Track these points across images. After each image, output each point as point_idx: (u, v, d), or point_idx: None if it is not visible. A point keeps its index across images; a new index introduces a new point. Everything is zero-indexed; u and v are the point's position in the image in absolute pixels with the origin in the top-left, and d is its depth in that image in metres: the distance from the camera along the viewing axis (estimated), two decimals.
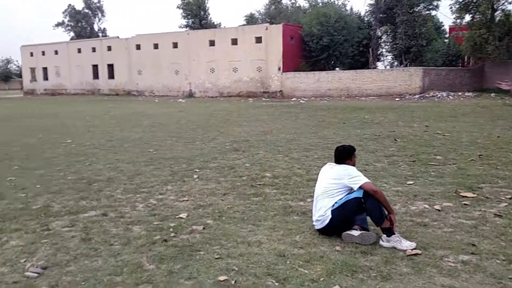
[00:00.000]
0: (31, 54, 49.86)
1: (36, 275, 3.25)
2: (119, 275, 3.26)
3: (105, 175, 6.84)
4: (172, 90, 40.18)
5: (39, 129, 13.71)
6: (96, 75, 45.31)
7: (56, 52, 47.68)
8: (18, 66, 73.32)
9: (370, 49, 36.11)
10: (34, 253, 3.71)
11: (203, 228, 4.30)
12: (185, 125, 14.45)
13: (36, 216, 4.75)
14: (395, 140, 9.90)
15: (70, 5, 77.08)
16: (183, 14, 51.51)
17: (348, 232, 3.93)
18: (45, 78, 49.10)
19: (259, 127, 13.45)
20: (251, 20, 49.63)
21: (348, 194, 4.04)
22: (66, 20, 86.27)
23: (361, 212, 4.00)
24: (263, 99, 32.27)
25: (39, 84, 49.57)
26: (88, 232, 4.23)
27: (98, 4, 78.89)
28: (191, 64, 38.84)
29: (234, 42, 36.20)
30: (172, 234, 4.13)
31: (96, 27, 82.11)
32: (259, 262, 3.47)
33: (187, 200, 5.37)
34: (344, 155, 4.24)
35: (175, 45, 39.65)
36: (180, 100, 32.56)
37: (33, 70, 50.17)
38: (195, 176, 6.64)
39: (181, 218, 4.64)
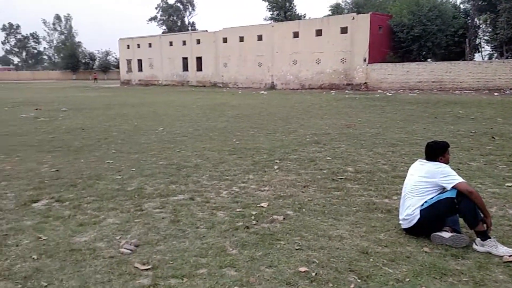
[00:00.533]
0: (128, 47, 53.82)
1: (129, 251, 3.52)
2: (204, 257, 3.41)
3: (192, 161, 7.18)
4: (254, 82, 40.86)
5: (134, 116, 14.79)
6: (185, 67, 47.62)
7: (150, 45, 50.93)
8: (116, 58, 79.62)
9: (467, 39, 33.35)
10: (128, 231, 4.02)
11: (284, 218, 4.33)
12: (267, 116, 14.62)
13: (131, 197, 5.14)
14: (493, 138, 9.07)
15: None
16: (268, 7, 51.96)
17: (438, 233, 3.70)
18: (140, 69, 52.74)
19: (341, 120, 13.16)
20: (336, 10, 48.49)
21: (439, 193, 3.80)
22: (158, 15, 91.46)
23: (453, 214, 3.74)
24: (346, 91, 31.48)
25: (134, 75, 53.40)
26: (177, 214, 4.49)
27: None
28: (274, 56, 39.09)
29: (318, 33, 35.68)
30: (254, 222, 4.22)
31: (186, 21, 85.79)
32: (341, 257, 3.41)
33: (268, 190, 5.44)
34: (436, 152, 3.97)
35: (259, 38, 40.18)
36: (262, 92, 32.98)
37: (129, 61, 54.15)
38: (275, 167, 6.70)
39: (262, 207, 4.71)
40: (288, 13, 51.23)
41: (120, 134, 10.49)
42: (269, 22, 49.34)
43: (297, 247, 3.59)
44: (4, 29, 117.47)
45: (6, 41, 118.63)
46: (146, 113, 15.96)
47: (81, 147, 8.63)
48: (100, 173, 6.39)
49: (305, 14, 55.93)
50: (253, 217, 4.36)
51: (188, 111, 16.75)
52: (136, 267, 3.23)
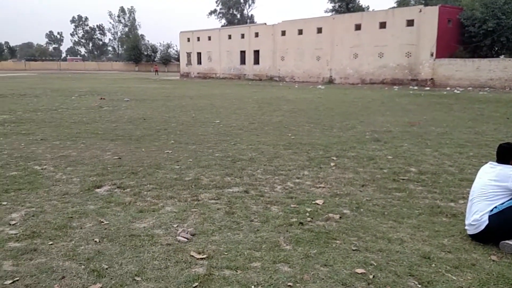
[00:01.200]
0: (188, 40, 55.22)
1: (186, 240, 3.58)
2: (258, 250, 3.39)
3: (247, 155, 7.20)
4: (312, 76, 40.36)
5: (192, 108, 15.15)
6: (243, 61, 48.06)
7: (209, 38, 51.93)
8: (176, 51, 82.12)
9: None
10: (185, 220, 4.10)
11: (340, 217, 4.20)
12: (324, 111, 14.37)
13: (188, 187, 5.24)
14: None
15: None
16: None
17: (508, 241, 3.42)
18: (199, 62, 53.98)
19: (404, 117, 12.62)
20: (402, 2, 46.59)
21: (511, 199, 3.51)
22: (218, 8, 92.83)
23: None
24: (410, 87, 30.22)
25: (193, 67, 54.75)
26: (232, 206, 4.51)
27: None
28: (334, 49, 38.34)
29: (382, 25, 34.47)
30: (308, 219, 4.13)
31: (245, 14, 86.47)
32: (401, 260, 3.24)
33: (324, 187, 5.32)
34: (509, 154, 3.67)
35: (319, 30, 39.57)
36: (320, 86, 32.50)
37: (189, 54, 55.58)
38: (332, 164, 6.55)
39: (317, 204, 4.61)
40: (351, 4, 50.02)
41: (179, 125, 10.77)
42: (329, 14, 48.40)
43: (354, 248, 3.46)
44: (73, 21, 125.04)
45: (75, 32, 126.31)
46: (204, 106, 16.28)
47: (142, 137, 8.95)
48: (159, 162, 6.59)
49: (368, 6, 54.51)
50: (307, 214, 4.27)
51: (244, 105, 16.87)
52: (192, 256, 3.27)
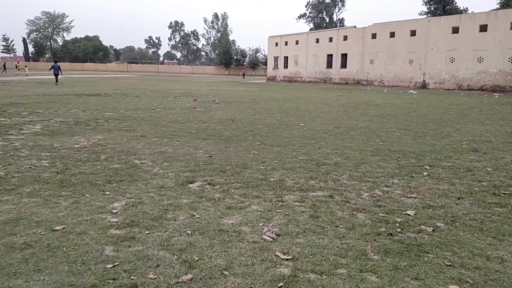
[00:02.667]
0: (276, 44, 55.98)
1: (271, 239, 3.65)
2: (344, 257, 3.34)
3: (332, 159, 7.11)
4: (403, 81, 38.56)
5: (278, 111, 15.33)
6: (329, 64, 47.50)
7: (296, 42, 52.15)
8: (264, 55, 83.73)
9: None
10: (270, 220, 4.17)
11: (433, 230, 3.96)
12: (415, 118, 13.64)
13: (273, 188, 5.32)
14: None
15: None
16: (425, 0, 48.34)
17: None
18: (285, 66, 54.45)
19: (506, 127, 11.52)
20: (506, 3, 42.54)
21: None
22: (307, 12, 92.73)
23: None
24: None
25: (280, 71, 55.34)
26: (316, 210, 4.49)
27: None
28: (428, 53, 36.25)
29: (483, 28, 31.87)
30: (398, 230, 3.96)
31: (334, 18, 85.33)
32: (501, 281, 2.97)
33: (415, 197, 5.06)
34: None
35: (412, 33, 37.73)
36: (411, 91, 30.89)
37: (276, 58, 56.31)
38: (424, 173, 6.20)
39: (408, 214, 4.40)
40: (448, 7, 46.90)
41: (265, 127, 10.97)
42: (424, 16, 45.85)
43: (448, 263, 3.25)
44: (170, 26, 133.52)
45: (172, 37, 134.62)
46: (289, 109, 16.38)
47: (230, 137, 9.28)
48: (246, 162, 6.77)
49: (466, 8, 50.58)
50: (397, 224, 4.10)
51: (329, 108, 16.66)
52: (277, 256, 3.32)
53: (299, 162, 6.83)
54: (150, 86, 32.84)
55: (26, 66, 59.88)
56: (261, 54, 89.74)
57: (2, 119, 11.42)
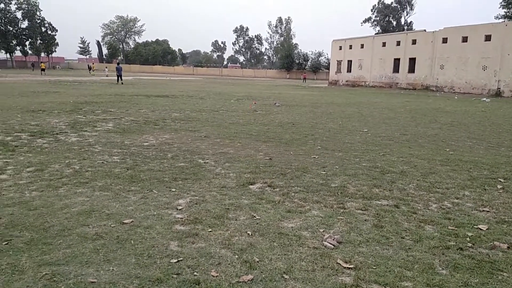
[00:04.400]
0: (340, 48, 55.07)
1: (332, 246, 3.57)
2: (410, 270, 3.19)
3: (398, 167, 6.84)
4: (475, 87, 36.31)
5: (339, 116, 15.06)
6: (396, 69, 45.88)
7: (361, 46, 50.94)
8: (327, 59, 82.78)
9: None
10: (331, 226, 4.09)
11: (508, 247, 3.67)
12: (489, 127, 12.77)
13: (334, 194, 5.22)
14: None
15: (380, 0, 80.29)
16: (502, 3, 45.23)
17: None
18: (348, 70, 53.38)
19: None
20: None
21: None
22: (373, 16, 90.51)
23: None
24: None
25: (342, 75, 54.36)
26: (380, 219, 4.33)
27: None
28: (504, 59, 33.84)
29: None
30: (469, 244, 3.72)
31: (402, 21, 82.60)
32: None
33: (488, 211, 4.72)
34: None
35: (487, 38, 35.42)
36: (484, 99, 28.97)
37: (339, 62, 55.40)
38: (499, 186, 5.77)
39: (480, 229, 4.11)
40: None
41: (326, 132, 10.81)
42: (501, 20, 42.86)
43: None
44: (235, 31, 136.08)
45: (236, 42, 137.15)
46: (351, 113, 16.03)
47: (290, 140, 9.25)
48: (306, 166, 6.72)
49: None
50: (468, 239, 3.85)
51: (394, 114, 16.07)
52: (339, 264, 3.25)
53: (362, 169, 6.64)
54: (213, 88, 33.71)
55: (106, 68, 63.75)
56: (324, 58, 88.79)
57: (78, 116, 12.27)
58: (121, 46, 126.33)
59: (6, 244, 3.43)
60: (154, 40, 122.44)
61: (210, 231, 3.85)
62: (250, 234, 3.80)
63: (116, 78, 35.89)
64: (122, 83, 33.84)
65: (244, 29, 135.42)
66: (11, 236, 3.58)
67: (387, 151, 8.27)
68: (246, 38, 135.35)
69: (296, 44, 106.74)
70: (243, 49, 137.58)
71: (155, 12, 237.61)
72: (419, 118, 14.98)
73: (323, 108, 18.42)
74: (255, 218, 4.23)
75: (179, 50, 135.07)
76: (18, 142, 7.96)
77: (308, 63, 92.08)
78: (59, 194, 4.85)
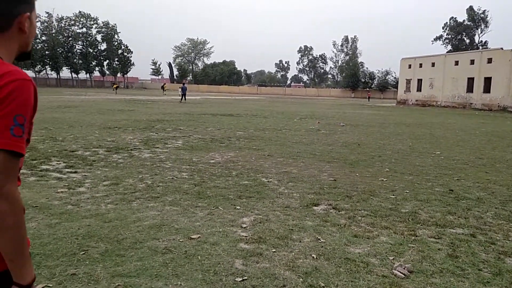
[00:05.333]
0: (409, 66, 53.28)
1: (403, 275, 3.39)
2: None
3: (474, 193, 6.39)
4: None
5: (409, 137, 14.46)
6: (470, 89, 43.42)
7: (432, 64, 48.92)
8: (394, 78, 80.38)
9: None
10: (402, 254, 3.89)
11: None
12: None
13: (404, 220, 4.98)
14: None
15: (452, 17, 77.07)
16: None
17: None
18: (418, 89, 51.35)
19: None
20: None
21: None
22: (444, 34, 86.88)
23: None
24: None
25: (412, 94, 52.38)
26: (455, 249, 4.05)
27: (482, 15, 74.99)
28: None
29: None
30: None
31: (476, 39, 78.43)
32: None
33: None
34: None
35: None
36: None
37: (408, 81, 53.52)
38: None
39: None
40: None
41: (394, 153, 10.42)
42: None
43: None
44: (299, 51, 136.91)
45: (300, 61, 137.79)
46: (422, 134, 15.33)
47: (356, 161, 9.03)
48: (373, 189, 6.50)
49: None
50: None
51: (469, 137, 15.12)
52: None
53: (435, 194, 6.29)
54: (277, 107, 34.01)
55: (180, 88, 66.82)
56: (391, 76, 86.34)
57: (151, 133, 12.94)
58: (190, 67, 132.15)
59: (83, 253, 3.65)
60: (221, 61, 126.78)
61: (274, 252, 3.83)
62: (315, 257, 3.72)
63: (180, 97, 38.51)
64: (185, 102, 36.15)
65: (308, 49, 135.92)
66: (88, 247, 3.82)
67: (462, 176, 7.78)
68: (310, 57, 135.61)
69: (362, 62, 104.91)
70: (307, 68, 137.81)
71: (223, 35, 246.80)
72: (496, 141, 13.97)
73: (391, 128, 17.82)
74: (319, 241, 4.14)
75: (244, 70, 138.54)
76: (96, 157, 8.54)
77: (375, 82, 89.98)
78: (132, 207, 5.11)
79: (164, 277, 3.24)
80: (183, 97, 37.79)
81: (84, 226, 4.34)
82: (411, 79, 52.93)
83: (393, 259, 3.76)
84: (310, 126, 17.66)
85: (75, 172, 6.97)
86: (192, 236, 4.13)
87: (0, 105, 1.17)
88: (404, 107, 48.12)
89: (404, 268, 3.49)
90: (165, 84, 77.52)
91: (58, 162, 7.81)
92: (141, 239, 4.04)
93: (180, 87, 39.37)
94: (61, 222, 4.45)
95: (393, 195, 6.18)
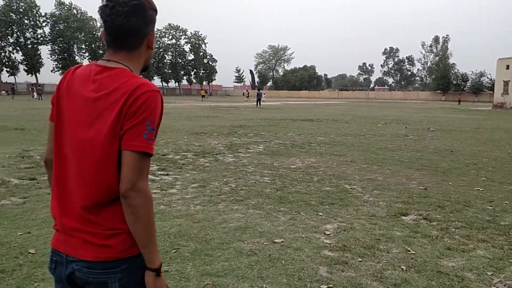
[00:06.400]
0: (507, 67, 48.70)
1: None
2: None
3: None
4: None
5: (508, 143, 13.20)
6: None
7: None
8: (490, 79, 73.99)
9: None
10: (501, 270, 3.57)
11: None
12: None
13: (504, 233, 4.56)
14: None
15: None
16: None
17: None
18: None
19: None
20: None
21: None
22: None
23: None
24: None
25: (510, 97, 47.78)
26: None
27: None
28: None
29: None
30: None
31: None
32: None
33: None
34: None
35: None
36: None
37: (506, 83, 48.92)
38: None
39: None
40: None
41: (491, 161, 9.58)
42: None
43: None
44: (384, 53, 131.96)
45: (385, 64, 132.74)
46: None
47: (448, 169, 8.45)
48: (468, 199, 6.03)
49: None
50: None
51: None
52: None
53: None
54: (359, 112, 33.10)
55: (264, 94, 68.08)
56: (487, 78, 79.61)
57: (234, 138, 13.33)
58: (270, 73, 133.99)
59: (175, 252, 3.87)
60: (301, 66, 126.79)
61: (360, 261, 3.73)
62: (405, 269, 3.55)
63: (258, 102, 40.98)
64: (259, 106, 38.40)
65: (394, 50, 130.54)
66: (179, 245, 4.04)
67: None
68: (396, 59, 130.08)
69: (454, 64, 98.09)
70: (392, 71, 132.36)
71: (303, 40, 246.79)
72: None
73: (487, 134, 16.42)
74: (409, 252, 3.95)
75: (325, 74, 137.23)
76: (185, 160, 9.02)
77: (468, 84, 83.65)
78: (218, 209, 5.31)
79: (250, 279, 3.32)
80: (258, 102, 40.55)
81: (176, 226, 4.61)
82: (509, 80, 48.28)
83: (492, 274, 3.46)
84: (396, 131, 16.91)
85: (167, 175, 7.43)
86: (276, 240, 4.18)
87: (136, 113, 1.35)
88: (502, 111, 44.01)
89: (504, 285, 3.20)
90: (246, 91, 79.53)
91: (152, 165, 8.38)
92: (227, 240, 4.18)
93: (257, 93, 43.13)
94: (155, 221, 4.76)
95: (491, 206, 5.68)
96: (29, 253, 3.79)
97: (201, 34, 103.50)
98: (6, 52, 74.72)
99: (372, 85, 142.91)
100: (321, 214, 5.18)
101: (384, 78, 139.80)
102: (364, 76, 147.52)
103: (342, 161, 9.34)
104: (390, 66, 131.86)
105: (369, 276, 3.40)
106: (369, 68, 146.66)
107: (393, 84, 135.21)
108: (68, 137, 1.44)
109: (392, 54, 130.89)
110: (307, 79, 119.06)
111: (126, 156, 1.34)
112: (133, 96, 1.36)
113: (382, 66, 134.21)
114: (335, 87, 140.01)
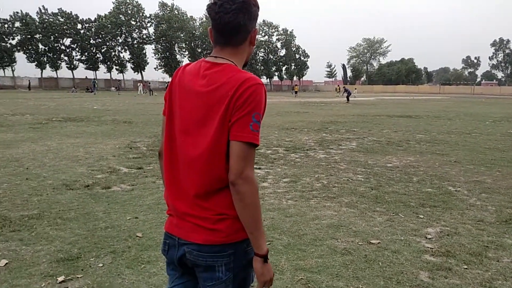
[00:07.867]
0: None
1: None
2: None
3: None
4: None
5: None
6: None
7: None
8: None
9: None
10: None
11: None
12: None
13: None
14: None
15: None
16: None
17: None
18: None
19: None
20: None
21: None
22: None
23: None
24: None
25: None
26: None
27: None
28: None
29: None
30: None
31: None
32: None
33: None
34: None
35: None
36: None
37: None
38: None
39: None
40: None
41: None
42: None
43: None
44: (493, 44, 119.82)
45: (494, 56, 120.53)
46: None
47: None
48: None
49: None
50: None
51: None
52: None
53: None
54: (464, 108, 30.52)
55: (355, 89, 66.34)
56: None
57: (325, 134, 13.15)
58: (364, 67, 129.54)
59: (268, 244, 3.93)
60: (398, 59, 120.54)
61: (466, 268, 3.44)
62: None
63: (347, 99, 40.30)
64: (347, 102, 37.83)
65: (505, 42, 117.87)
66: (272, 238, 4.09)
67: None
68: (507, 51, 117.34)
69: None
70: (502, 64, 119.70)
71: (402, 32, 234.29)
72: None
73: None
74: None
75: (425, 68, 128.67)
76: (276, 155, 9.12)
77: None
78: (310, 205, 5.28)
79: (345, 278, 3.25)
80: (347, 98, 40.32)
81: (269, 219, 4.68)
82: None
83: None
84: (508, 130, 15.27)
85: (259, 169, 7.57)
86: (372, 241, 4.03)
87: (243, 105, 1.41)
88: None
89: None
90: (338, 86, 77.85)
91: None
92: (320, 236, 4.14)
93: (345, 89, 43.81)
94: None
95: None
96: (137, 236, 4.13)
97: (290, 30, 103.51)
98: (116, 51, 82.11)
99: (478, 80, 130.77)
100: (421, 216, 4.88)
101: (493, 71, 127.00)
102: (469, 70, 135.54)
103: (445, 161, 8.70)
104: (500, 59, 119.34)
105: (476, 285, 3.12)
106: (475, 61, 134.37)
107: (502, 79, 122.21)
108: (180, 130, 1.53)
109: (502, 46, 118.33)
110: (404, 73, 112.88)
111: (234, 146, 1.41)
112: (240, 89, 1.42)
113: (490, 58, 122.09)
114: (436, 81, 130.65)
